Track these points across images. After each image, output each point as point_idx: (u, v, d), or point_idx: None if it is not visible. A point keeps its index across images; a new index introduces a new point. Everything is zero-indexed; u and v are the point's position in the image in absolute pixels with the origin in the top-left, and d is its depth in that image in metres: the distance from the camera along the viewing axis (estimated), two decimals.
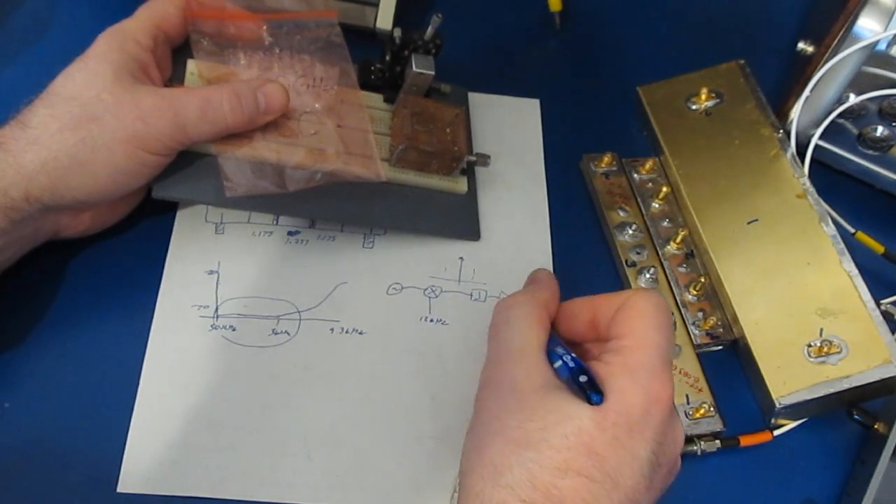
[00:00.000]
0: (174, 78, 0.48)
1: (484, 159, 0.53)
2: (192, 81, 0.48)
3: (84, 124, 0.42)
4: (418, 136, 0.50)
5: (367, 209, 0.50)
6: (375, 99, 0.53)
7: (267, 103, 0.46)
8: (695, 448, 0.47)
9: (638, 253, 0.53)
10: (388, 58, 0.52)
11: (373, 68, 0.53)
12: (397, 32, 0.51)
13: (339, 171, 0.49)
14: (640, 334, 0.38)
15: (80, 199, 0.43)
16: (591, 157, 0.57)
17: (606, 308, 0.41)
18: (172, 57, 0.49)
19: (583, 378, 0.37)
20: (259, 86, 0.46)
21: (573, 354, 0.39)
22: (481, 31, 0.64)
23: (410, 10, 0.62)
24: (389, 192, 0.51)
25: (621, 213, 0.55)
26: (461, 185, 0.53)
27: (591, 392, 0.36)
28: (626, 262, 0.53)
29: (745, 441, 0.49)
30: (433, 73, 0.51)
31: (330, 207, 0.49)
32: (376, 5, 0.59)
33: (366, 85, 0.53)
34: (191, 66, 0.48)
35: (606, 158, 0.57)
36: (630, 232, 0.54)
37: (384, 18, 0.59)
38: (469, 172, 0.54)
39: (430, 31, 0.50)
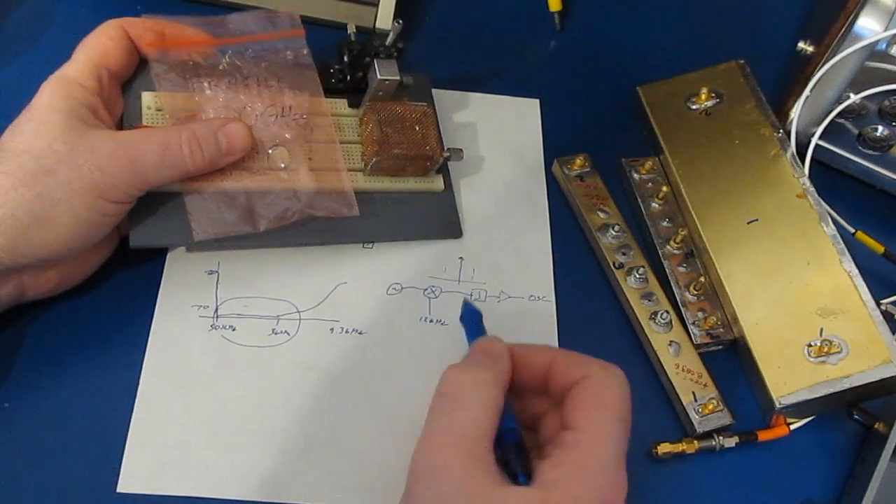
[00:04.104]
0: (129, 114, 0.47)
1: (458, 154, 0.53)
2: (150, 116, 0.46)
3: (39, 178, 0.40)
4: (389, 142, 0.49)
5: (345, 227, 0.50)
6: (339, 105, 0.52)
7: (229, 144, 0.45)
8: (713, 443, 0.47)
9: (624, 254, 0.53)
10: (346, 58, 0.51)
11: (332, 70, 0.52)
12: (351, 28, 0.50)
13: (312, 209, 0.48)
14: (597, 429, 0.36)
15: (42, 257, 0.41)
16: (562, 160, 0.57)
17: (564, 371, 0.38)
18: (123, 91, 0.47)
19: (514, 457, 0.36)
20: (220, 126, 0.45)
21: (519, 433, 0.38)
22: (481, 31, 0.64)
23: (410, 9, 0.62)
24: (367, 203, 0.50)
25: (601, 215, 0.55)
26: (437, 183, 0.53)
27: (521, 473, 0.36)
28: (614, 264, 0.53)
29: (764, 436, 0.49)
30: (398, 78, 0.50)
31: (307, 232, 0.49)
32: (376, 5, 0.59)
33: (327, 89, 0.51)
34: (147, 99, 0.47)
35: (579, 161, 0.56)
36: (613, 233, 0.54)
37: (384, 18, 0.59)
38: (443, 169, 0.54)
39: (391, 37, 0.49)
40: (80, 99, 0.43)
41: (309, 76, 0.50)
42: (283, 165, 0.48)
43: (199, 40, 0.48)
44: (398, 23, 0.49)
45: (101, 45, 0.45)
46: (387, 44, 0.50)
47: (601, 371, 0.37)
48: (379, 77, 0.49)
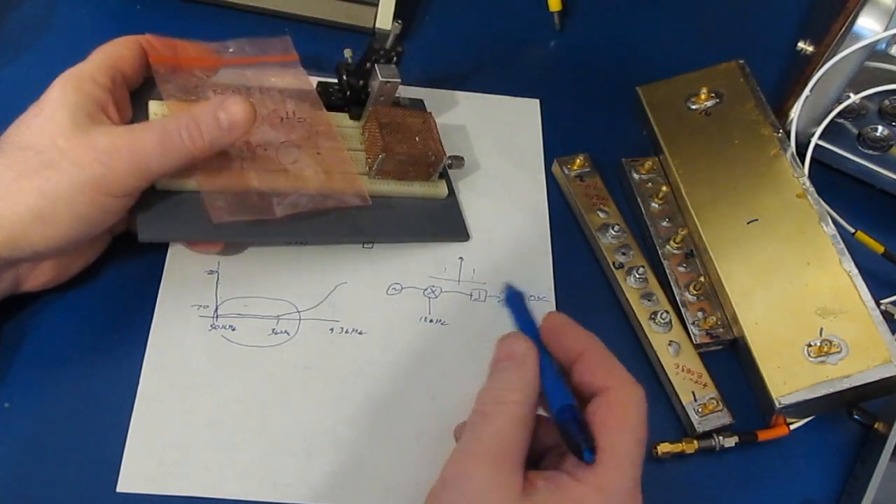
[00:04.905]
0: (136, 120, 0.47)
1: (458, 161, 0.54)
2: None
3: (40, 172, 0.40)
4: (392, 146, 0.50)
5: (354, 226, 0.50)
6: (341, 118, 0.52)
7: (230, 121, 0.43)
8: (713, 443, 0.48)
9: (623, 254, 0.53)
10: (344, 77, 0.52)
11: (331, 90, 0.53)
12: (348, 52, 0.51)
13: (325, 199, 0.48)
14: (617, 451, 0.36)
15: (41, 251, 0.41)
16: (562, 160, 0.57)
17: (589, 370, 0.38)
18: (132, 100, 0.47)
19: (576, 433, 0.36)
20: (219, 104, 0.43)
21: (575, 408, 0.37)
22: (481, 31, 0.64)
23: (409, 10, 0.62)
24: (374, 205, 0.50)
25: (601, 215, 0.55)
26: (441, 189, 0.54)
27: (586, 449, 0.35)
28: (614, 264, 0.53)
29: (763, 436, 0.49)
30: (400, 80, 0.50)
31: (318, 229, 0.49)
32: (376, 5, 0.59)
33: (328, 107, 0.52)
34: (154, 107, 0.47)
35: (579, 161, 0.56)
36: (612, 233, 0.54)
37: (384, 18, 0.59)
38: (445, 175, 0.54)
39: (390, 40, 0.50)
40: (91, 94, 0.43)
41: (308, 92, 0.51)
42: (292, 161, 0.48)
43: (206, 58, 0.49)
44: (398, 23, 0.49)
45: (117, 52, 0.45)
46: (387, 46, 0.50)
47: (624, 387, 0.37)
48: (381, 79, 0.50)
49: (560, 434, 0.37)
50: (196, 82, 0.48)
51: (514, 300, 0.42)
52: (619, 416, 0.37)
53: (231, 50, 0.51)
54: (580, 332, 0.40)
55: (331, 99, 0.52)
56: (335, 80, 0.53)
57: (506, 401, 0.37)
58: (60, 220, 0.41)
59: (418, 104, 0.57)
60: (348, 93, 0.52)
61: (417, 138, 0.51)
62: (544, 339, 0.39)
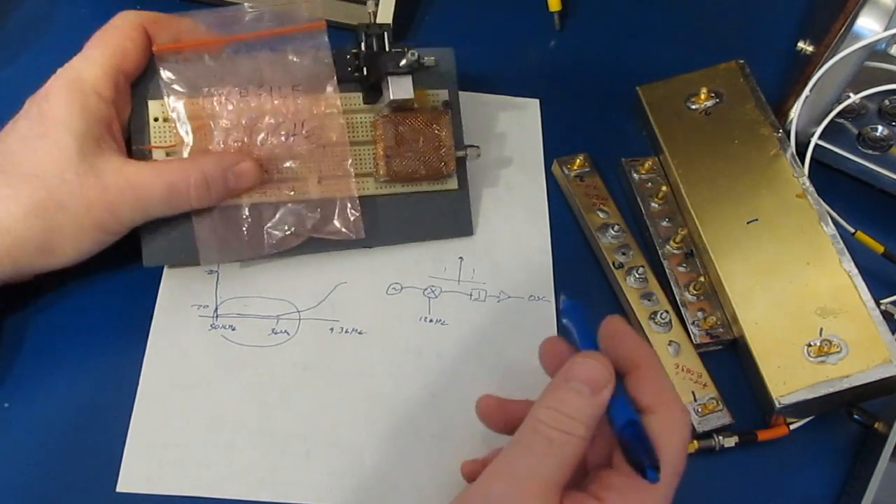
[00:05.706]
0: (135, 121, 0.46)
1: (474, 150, 0.52)
2: (157, 129, 0.46)
3: (51, 212, 0.41)
4: (402, 155, 0.49)
5: None
6: (354, 99, 0.50)
7: (237, 183, 0.46)
8: (713, 443, 0.48)
9: (623, 254, 0.53)
10: (363, 46, 0.49)
11: (348, 56, 0.49)
12: (371, 7, 0.49)
13: (317, 235, 0.49)
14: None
15: (41, 273, 0.44)
16: (562, 160, 0.57)
17: (638, 387, 0.36)
18: (132, 92, 0.46)
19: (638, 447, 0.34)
20: (231, 165, 0.45)
21: (641, 425, 0.35)
22: (481, 31, 0.64)
23: (410, 9, 0.62)
24: (376, 205, 0.50)
25: (601, 215, 0.55)
26: (451, 183, 0.53)
27: (650, 468, 0.34)
28: (613, 263, 0.53)
29: (763, 436, 0.49)
30: (412, 97, 0.48)
31: (316, 241, 0.49)
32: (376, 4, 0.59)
33: (343, 79, 0.49)
34: (154, 109, 0.46)
35: (579, 160, 0.56)
36: (612, 233, 0.54)
37: (384, 17, 0.59)
38: (459, 165, 0.53)
39: (405, 61, 0.47)
40: (97, 113, 0.42)
41: (326, 74, 0.49)
42: (291, 182, 0.48)
43: (212, 40, 0.47)
44: (413, 53, 0.47)
45: (120, 47, 0.43)
46: (401, 65, 0.47)
47: (671, 413, 0.36)
48: (392, 97, 0.48)
49: (622, 450, 0.35)
50: (202, 75, 0.46)
51: (573, 313, 0.39)
52: (662, 443, 0.35)
53: (247, 20, 0.47)
54: (638, 343, 0.38)
55: (346, 69, 0.49)
56: (351, 46, 0.50)
57: (573, 432, 0.34)
58: (64, 252, 0.43)
59: (447, 59, 0.53)
60: (363, 66, 0.49)
61: (430, 142, 0.50)
62: (601, 345, 0.37)
